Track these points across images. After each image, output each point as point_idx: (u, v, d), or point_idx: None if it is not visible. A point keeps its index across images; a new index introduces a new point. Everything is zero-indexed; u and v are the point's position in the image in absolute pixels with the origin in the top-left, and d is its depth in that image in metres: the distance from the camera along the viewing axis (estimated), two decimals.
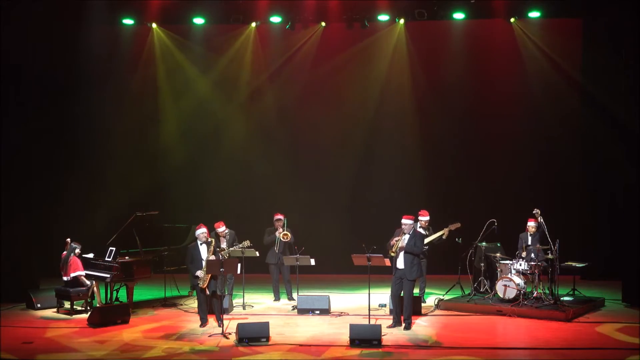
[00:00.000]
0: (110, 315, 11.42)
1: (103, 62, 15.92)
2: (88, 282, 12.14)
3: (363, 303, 11.62)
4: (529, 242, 12.49)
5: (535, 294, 11.99)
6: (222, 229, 12.38)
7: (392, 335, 10.51)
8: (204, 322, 11.25)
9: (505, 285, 12.09)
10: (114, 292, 12.56)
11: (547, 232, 12.10)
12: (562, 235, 12.37)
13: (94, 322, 11.27)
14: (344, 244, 13.43)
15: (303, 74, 16.23)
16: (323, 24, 15.96)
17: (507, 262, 12.34)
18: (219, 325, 10.94)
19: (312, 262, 12.52)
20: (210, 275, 11.04)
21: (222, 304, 11.36)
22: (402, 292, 10.95)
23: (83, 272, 12.20)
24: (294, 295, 12.93)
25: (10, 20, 13.84)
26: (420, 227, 12.48)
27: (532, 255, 12.26)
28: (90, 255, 12.58)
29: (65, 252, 12.31)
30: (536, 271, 11.97)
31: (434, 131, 16.05)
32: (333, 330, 10.95)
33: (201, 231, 11.31)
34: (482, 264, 12.83)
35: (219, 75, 16.43)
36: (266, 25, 16.10)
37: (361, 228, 15.01)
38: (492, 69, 15.83)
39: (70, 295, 12.10)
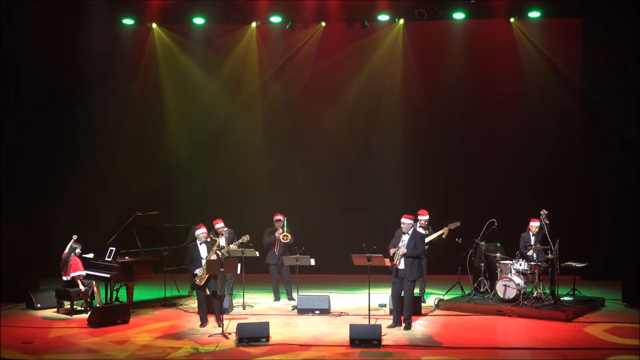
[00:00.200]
0: (110, 315, 11.42)
1: (103, 62, 15.92)
2: (82, 287, 12.12)
3: (363, 303, 11.62)
4: (532, 242, 12.48)
5: (535, 294, 11.99)
6: (219, 225, 12.45)
7: (392, 335, 10.51)
8: (204, 322, 11.25)
9: (505, 285, 12.09)
10: (114, 292, 12.56)
11: (547, 233, 12.12)
12: (562, 235, 12.39)
13: (94, 322, 11.27)
14: (344, 244, 13.42)
15: (304, 74, 16.23)
16: (323, 24, 15.96)
17: (507, 262, 12.34)
18: (219, 326, 10.94)
19: (312, 262, 12.52)
20: (208, 274, 11.05)
21: (222, 304, 11.37)
22: (402, 292, 10.95)
23: (83, 273, 12.19)
24: (294, 295, 12.93)
25: (10, 20, 13.84)
26: (420, 226, 12.49)
27: (534, 255, 12.23)
28: (90, 255, 12.57)
29: (65, 252, 12.30)
30: (536, 271, 11.97)
31: (434, 131, 16.06)
32: (333, 330, 10.95)
33: (201, 231, 11.32)
34: (482, 264, 12.83)
35: (221, 75, 16.44)
36: (266, 25, 16.11)
37: (361, 228, 15.02)
38: (492, 69, 15.84)
39: (70, 295, 12.10)
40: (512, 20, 15.51)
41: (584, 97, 15.49)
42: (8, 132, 14.07)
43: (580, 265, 12.92)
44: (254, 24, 16.07)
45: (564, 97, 15.55)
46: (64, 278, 12.18)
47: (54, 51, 14.97)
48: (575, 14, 15.30)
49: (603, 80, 15.04)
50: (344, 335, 10.33)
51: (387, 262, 10.84)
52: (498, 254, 12.57)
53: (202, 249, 11.28)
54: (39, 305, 12.56)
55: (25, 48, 14.27)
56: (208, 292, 11.24)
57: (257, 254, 12.72)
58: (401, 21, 15.78)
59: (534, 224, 12.43)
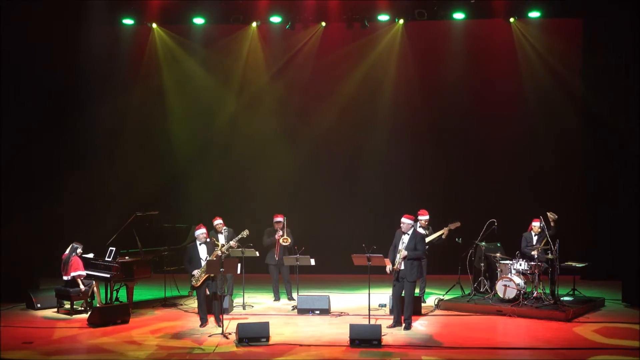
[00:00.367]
0: (110, 315, 11.42)
1: (103, 62, 15.92)
2: (82, 287, 12.12)
3: (363, 303, 11.62)
4: (534, 242, 12.47)
5: (535, 294, 11.99)
6: (218, 221, 12.52)
7: (392, 335, 10.51)
8: (204, 322, 11.25)
9: (505, 285, 12.09)
10: (114, 292, 12.56)
11: (548, 234, 12.13)
12: (562, 235, 12.40)
13: (94, 322, 11.27)
14: (344, 244, 13.42)
15: (304, 74, 16.23)
16: (323, 23, 15.96)
17: (507, 262, 12.34)
18: (219, 326, 10.94)
19: (312, 262, 12.52)
20: (206, 276, 11.05)
21: (222, 305, 11.37)
22: (403, 293, 10.96)
23: (84, 273, 12.19)
24: (294, 295, 12.93)
25: (10, 20, 13.84)
26: (420, 226, 12.49)
27: (537, 255, 12.21)
28: (91, 255, 12.57)
29: (66, 253, 12.30)
30: (536, 271, 11.97)
31: (434, 131, 16.06)
32: (333, 330, 10.95)
33: (200, 232, 11.32)
34: (482, 264, 12.83)
35: (222, 75, 16.44)
36: (266, 25, 16.11)
37: (361, 228, 15.01)
38: (491, 69, 15.84)
39: (70, 295, 12.10)
40: (511, 20, 15.51)
41: (584, 97, 15.49)
42: (8, 132, 14.07)
43: (580, 265, 12.91)
44: (254, 24, 16.08)
45: (563, 97, 15.54)
46: (65, 278, 12.17)
47: (54, 51, 14.97)
48: (575, 14, 15.30)
49: (603, 80, 15.04)
50: (344, 335, 10.33)
51: (387, 262, 10.84)
52: (498, 254, 12.57)
53: (202, 250, 11.29)
54: (39, 305, 12.56)
55: (25, 48, 14.27)
56: (208, 292, 11.24)
57: (257, 254, 12.72)
58: (401, 21, 15.77)
59: (536, 224, 12.42)
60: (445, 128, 16.03)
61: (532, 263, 12.01)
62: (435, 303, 12.50)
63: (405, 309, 10.92)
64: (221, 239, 12.57)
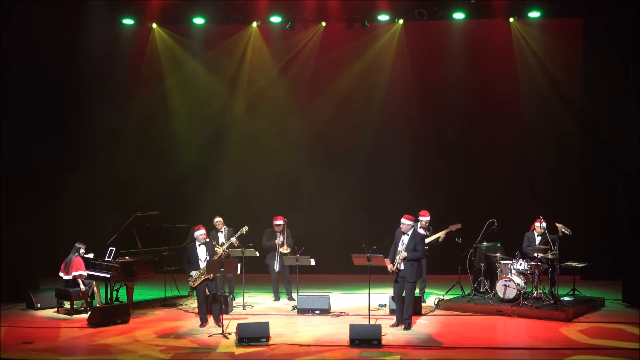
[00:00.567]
0: (110, 315, 11.42)
1: (103, 62, 15.92)
2: (83, 287, 12.12)
3: (363, 303, 11.62)
4: (536, 243, 12.45)
5: (535, 294, 11.98)
6: (218, 219, 12.62)
7: (392, 335, 10.51)
8: (203, 322, 11.25)
9: (505, 285, 12.09)
10: (114, 292, 12.56)
11: (550, 237, 12.14)
12: (563, 235, 12.41)
13: (94, 322, 11.27)
14: (344, 244, 13.42)
15: (305, 75, 16.26)
16: (323, 23, 15.96)
17: (507, 262, 12.33)
18: (219, 326, 10.94)
19: (312, 262, 12.52)
20: (204, 277, 11.06)
21: (222, 305, 11.36)
22: (403, 292, 10.96)
23: (85, 273, 12.19)
24: (294, 295, 12.93)
25: (10, 20, 13.84)
26: (420, 227, 12.49)
27: (538, 255, 12.18)
28: (91, 255, 12.57)
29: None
30: (536, 271, 11.97)
31: (434, 131, 16.07)
32: (333, 330, 10.95)
33: (200, 232, 11.32)
34: (482, 264, 12.82)
35: (223, 75, 16.46)
36: (266, 25, 16.12)
37: (361, 228, 15.01)
38: (492, 69, 15.85)
39: (70, 295, 12.10)
40: (511, 20, 15.52)
41: (584, 97, 15.49)
42: (8, 132, 14.07)
43: (580, 265, 12.91)
44: (254, 24, 16.08)
45: (563, 96, 15.55)
46: (65, 277, 12.17)
47: (54, 51, 14.97)
48: (575, 14, 15.31)
49: (603, 80, 15.04)
50: (344, 335, 10.33)
51: (387, 262, 10.84)
52: (498, 254, 12.57)
53: (201, 250, 11.29)
54: (39, 305, 12.56)
55: (25, 48, 14.26)
56: (208, 293, 11.25)
57: (257, 254, 12.72)
58: (401, 21, 15.78)
59: (539, 224, 12.39)
60: (445, 128, 16.03)
61: (532, 263, 12.01)
62: (435, 303, 12.50)
63: (405, 309, 10.92)
64: (221, 237, 12.60)
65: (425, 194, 15.17)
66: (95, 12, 15.07)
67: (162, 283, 13.26)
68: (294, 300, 12.93)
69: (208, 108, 16.53)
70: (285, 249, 12.91)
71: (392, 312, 11.82)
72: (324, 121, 16.23)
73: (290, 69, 16.35)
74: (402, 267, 10.83)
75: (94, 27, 15.37)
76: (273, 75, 16.42)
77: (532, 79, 15.68)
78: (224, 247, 11.68)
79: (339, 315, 11.96)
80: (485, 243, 12.77)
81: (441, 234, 12.70)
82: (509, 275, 12.11)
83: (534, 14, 15.30)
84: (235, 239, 12.10)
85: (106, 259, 12.32)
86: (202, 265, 11.15)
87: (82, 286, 12.12)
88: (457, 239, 12.90)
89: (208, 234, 11.63)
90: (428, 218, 12.65)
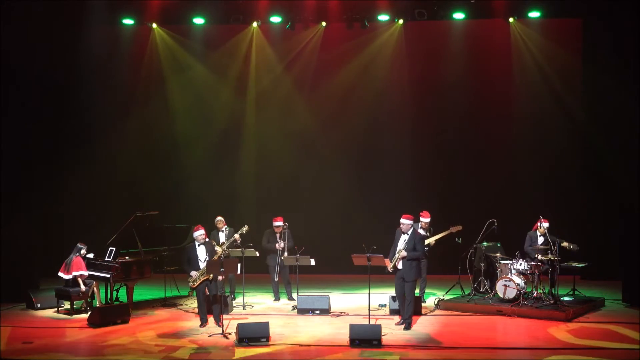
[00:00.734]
0: (110, 315, 11.42)
1: (103, 62, 15.93)
2: (84, 288, 12.13)
3: (363, 303, 11.62)
4: (539, 243, 12.42)
5: (535, 294, 11.99)
6: (219, 218, 12.68)
7: (392, 335, 10.51)
8: (204, 322, 11.25)
9: (505, 285, 12.09)
10: (114, 292, 12.56)
11: (550, 238, 12.14)
12: (563, 235, 12.40)
13: (94, 322, 11.27)
14: (344, 244, 13.42)
15: (305, 75, 16.27)
16: (324, 23, 15.96)
17: (507, 262, 12.33)
18: (219, 326, 10.95)
19: (312, 262, 12.52)
20: (204, 277, 11.06)
21: (222, 305, 11.37)
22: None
23: (86, 273, 12.19)
24: (294, 295, 12.93)
25: (10, 20, 13.85)
26: (420, 227, 12.49)
27: (539, 256, 12.17)
28: (91, 255, 12.57)
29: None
30: (536, 271, 11.97)
31: (434, 131, 16.08)
32: (333, 330, 10.95)
33: (199, 233, 11.32)
34: (482, 264, 12.82)
35: (224, 75, 16.47)
36: (266, 25, 16.12)
37: (361, 228, 15.01)
38: (492, 69, 15.85)
39: (70, 295, 12.10)
40: (511, 20, 15.52)
41: (584, 97, 15.49)
42: (8, 132, 14.07)
43: (580, 265, 12.91)
44: (255, 24, 16.08)
45: (563, 96, 15.55)
46: (65, 277, 12.17)
47: (54, 51, 14.97)
48: (575, 14, 15.32)
49: (603, 80, 15.03)
50: (344, 335, 10.33)
51: (387, 262, 10.84)
52: (498, 254, 12.57)
53: (201, 251, 11.29)
54: (39, 305, 12.56)
55: (25, 48, 14.27)
56: (208, 293, 11.25)
57: (257, 254, 12.72)
58: (401, 21, 15.78)
59: (544, 224, 12.35)
60: (445, 128, 16.04)
61: (532, 263, 12.01)
62: (435, 303, 12.50)
63: (406, 309, 10.92)
64: (222, 237, 12.61)
65: (425, 194, 15.17)
66: (95, 12, 15.09)
67: (162, 283, 13.27)
68: (294, 300, 12.93)
69: (208, 108, 16.53)
70: (287, 261, 12.86)
71: (392, 312, 11.83)
72: (324, 121, 16.25)
73: (291, 69, 16.36)
74: (400, 267, 10.83)
75: (94, 27, 15.38)
76: (274, 75, 16.42)
77: (532, 79, 15.68)
78: (224, 246, 11.67)
79: (339, 315, 11.95)
80: (485, 243, 12.77)
81: (440, 236, 12.69)
82: (509, 275, 12.11)
83: (534, 14, 15.31)
84: (238, 235, 12.08)
85: (106, 259, 12.32)
86: (202, 265, 11.16)
87: (82, 286, 12.12)
88: (457, 239, 12.90)
89: (209, 234, 11.62)
90: (428, 219, 12.65)
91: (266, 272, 13.38)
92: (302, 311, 12.07)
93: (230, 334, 10.54)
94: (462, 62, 15.69)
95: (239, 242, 12.28)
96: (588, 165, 15.54)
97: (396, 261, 10.79)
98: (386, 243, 11.15)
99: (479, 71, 15.85)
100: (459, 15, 15.34)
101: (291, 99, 16.41)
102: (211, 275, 11.07)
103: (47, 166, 15.27)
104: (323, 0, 15.44)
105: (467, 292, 12.84)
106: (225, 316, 11.07)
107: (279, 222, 13.00)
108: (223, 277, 11.26)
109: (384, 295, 12.35)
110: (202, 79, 16.50)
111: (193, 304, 12.66)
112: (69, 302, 12.23)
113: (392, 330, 10.76)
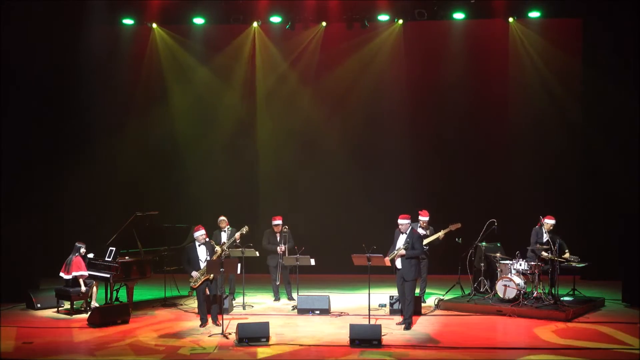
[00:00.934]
0: (110, 315, 11.42)
1: (103, 62, 15.92)
2: (84, 288, 12.13)
3: (363, 303, 11.62)
4: (544, 239, 12.35)
5: (535, 294, 11.99)
6: (222, 218, 12.72)
7: (392, 335, 10.51)
8: (204, 322, 11.25)
9: (505, 285, 12.09)
10: (114, 292, 12.56)
11: (551, 238, 12.14)
12: (563, 235, 12.41)
13: (94, 322, 11.27)
14: (344, 244, 13.42)
15: (305, 74, 16.28)
16: (324, 23, 15.96)
17: (507, 262, 12.33)
18: (217, 325, 10.96)
19: (312, 262, 12.52)
20: (205, 277, 11.06)
21: (222, 305, 11.37)
22: None
23: (86, 273, 12.19)
24: (294, 295, 12.93)
25: (10, 20, 13.84)
26: (420, 226, 12.49)
27: (548, 253, 12.13)
28: (91, 255, 12.57)
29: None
30: (536, 271, 11.96)
31: (434, 131, 16.08)
32: (333, 330, 10.95)
33: (200, 233, 11.32)
34: (482, 264, 12.82)
35: (224, 75, 16.46)
36: (266, 25, 16.13)
37: (361, 228, 15.01)
38: (491, 69, 15.85)
39: (70, 295, 12.10)
40: (510, 20, 15.53)
41: (584, 96, 15.49)
42: (8, 132, 14.07)
43: (580, 265, 12.90)
44: (255, 24, 16.08)
45: (563, 96, 15.55)
46: (65, 277, 12.17)
47: (54, 51, 14.97)
48: (575, 14, 15.32)
49: (603, 80, 15.03)
50: (344, 335, 10.33)
51: (387, 262, 10.84)
52: (498, 254, 12.57)
53: (201, 251, 11.29)
54: (39, 305, 12.56)
55: (25, 48, 14.26)
56: (208, 292, 11.25)
57: (257, 254, 12.72)
58: (401, 21, 15.79)
59: (550, 222, 12.31)
60: (445, 128, 16.03)
61: (532, 263, 12.00)
62: (435, 303, 12.50)
63: (406, 309, 10.93)
64: (223, 236, 12.61)
65: (425, 194, 15.17)
66: (95, 12, 15.09)
67: (162, 283, 13.26)
68: (294, 300, 12.93)
69: (208, 108, 16.53)
70: (285, 257, 12.87)
71: (392, 312, 11.83)
72: (324, 121, 16.25)
73: (291, 69, 16.36)
74: (399, 266, 10.83)
75: (94, 27, 15.38)
76: (275, 76, 16.43)
77: (531, 79, 15.68)
78: (225, 246, 11.67)
79: (339, 315, 11.95)
80: (485, 243, 12.77)
81: (441, 234, 12.70)
82: (509, 275, 12.11)
83: (534, 14, 15.31)
84: (238, 235, 12.08)
85: (106, 259, 12.32)
86: (203, 265, 11.16)
87: (83, 287, 12.12)
88: (457, 239, 12.90)
89: (211, 233, 11.62)
90: (427, 218, 12.66)
91: (266, 272, 13.38)
92: (302, 311, 12.07)
93: (230, 334, 10.54)
94: (462, 62, 15.69)
95: (238, 242, 12.29)
96: (588, 165, 15.53)
97: (394, 257, 10.78)
98: (386, 243, 11.16)
99: (479, 71, 15.85)
100: (458, 15, 15.35)
101: (291, 99, 16.41)
102: (211, 275, 11.08)
103: (47, 166, 15.27)
104: (323, 0, 15.44)
105: (467, 292, 12.84)
106: (225, 316, 11.07)
107: (278, 221, 13.01)
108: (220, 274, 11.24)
109: (384, 295, 12.35)
110: (202, 78, 16.49)
111: (193, 304, 12.66)
112: (69, 302, 12.23)
113: (392, 330, 10.77)
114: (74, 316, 12.04)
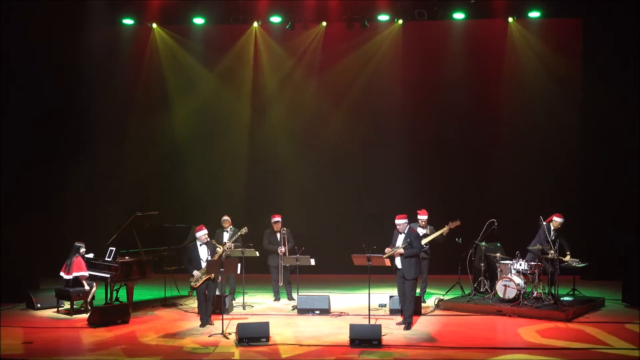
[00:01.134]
0: (110, 315, 11.42)
1: (103, 62, 15.92)
2: (87, 287, 12.13)
3: (363, 303, 11.62)
4: (551, 237, 12.27)
5: (535, 294, 11.99)
6: (225, 218, 12.78)
7: (392, 335, 10.51)
8: (204, 322, 11.25)
9: (505, 285, 12.09)
10: (114, 292, 12.56)
11: (550, 239, 12.12)
12: (563, 235, 12.39)
13: (94, 322, 11.27)
14: (344, 244, 13.42)
15: (305, 75, 16.27)
16: (324, 23, 15.96)
17: (507, 262, 12.33)
18: (211, 323, 11.01)
19: (312, 262, 12.52)
20: (206, 277, 11.06)
21: (223, 305, 11.37)
22: None
23: (86, 273, 12.19)
24: (294, 295, 12.93)
25: (10, 20, 13.84)
26: (419, 225, 12.50)
27: (555, 253, 12.10)
28: (91, 255, 12.58)
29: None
30: (536, 271, 11.96)
31: (434, 130, 16.09)
32: (333, 330, 10.95)
33: (202, 233, 11.33)
34: (482, 264, 12.83)
35: (224, 75, 16.45)
36: (266, 25, 16.13)
37: (361, 228, 15.01)
38: (491, 69, 15.85)
39: (70, 295, 12.10)
40: (510, 20, 15.53)
41: (584, 96, 15.49)
42: (8, 132, 14.06)
43: (580, 265, 12.90)
44: (255, 24, 16.08)
45: (563, 96, 15.56)
46: (66, 277, 12.17)
47: (54, 51, 14.97)
48: (575, 14, 15.32)
49: (603, 80, 15.03)
50: (344, 335, 10.33)
51: (387, 262, 10.85)
52: (498, 254, 12.57)
53: (202, 250, 11.29)
54: (39, 305, 12.56)
55: (25, 48, 14.26)
56: (207, 293, 11.25)
57: (257, 253, 12.73)
58: (400, 21, 15.79)
59: (558, 219, 12.25)
60: (445, 128, 16.03)
61: (532, 263, 12.00)
62: (435, 303, 12.50)
63: (406, 308, 10.93)
64: (225, 236, 12.62)
65: (424, 194, 15.16)
66: (95, 12, 15.09)
67: (162, 283, 13.27)
68: (294, 300, 12.93)
69: (209, 107, 16.52)
70: (286, 257, 12.88)
71: (392, 312, 11.83)
72: (323, 121, 16.25)
73: (291, 69, 16.36)
74: (399, 266, 10.83)
75: (94, 27, 15.37)
76: (275, 76, 16.43)
77: (531, 79, 15.68)
78: (226, 246, 11.68)
79: (339, 315, 11.96)
80: (485, 243, 12.77)
81: (444, 230, 12.69)
82: (509, 275, 12.12)
83: (534, 14, 15.31)
84: (237, 236, 12.09)
85: (106, 259, 12.32)
86: (204, 265, 11.16)
87: (86, 286, 12.12)
88: (457, 239, 12.90)
89: (214, 232, 11.62)
90: (426, 217, 12.66)
91: (266, 272, 13.38)
92: (302, 311, 12.08)
93: (230, 334, 10.54)
94: (462, 62, 15.69)
95: (238, 242, 12.29)
96: (588, 165, 15.53)
97: (392, 254, 10.76)
98: (386, 243, 11.15)
99: (479, 71, 15.85)
100: (458, 16, 15.35)
101: (291, 99, 16.41)
102: (212, 275, 11.08)
103: (47, 166, 15.26)
104: (323, 0, 15.43)
105: (467, 292, 12.84)
106: (225, 316, 11.06)
107: (277, 219, 13.04)
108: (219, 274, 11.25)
109: (384, 295, 12.35)
110: (202, 78, 16.49)
111: (193, 304, 12.66)
112: (69, 302, 12.23)
113: (392, 330, 10.77)
114: (74, 316, 12.04)
